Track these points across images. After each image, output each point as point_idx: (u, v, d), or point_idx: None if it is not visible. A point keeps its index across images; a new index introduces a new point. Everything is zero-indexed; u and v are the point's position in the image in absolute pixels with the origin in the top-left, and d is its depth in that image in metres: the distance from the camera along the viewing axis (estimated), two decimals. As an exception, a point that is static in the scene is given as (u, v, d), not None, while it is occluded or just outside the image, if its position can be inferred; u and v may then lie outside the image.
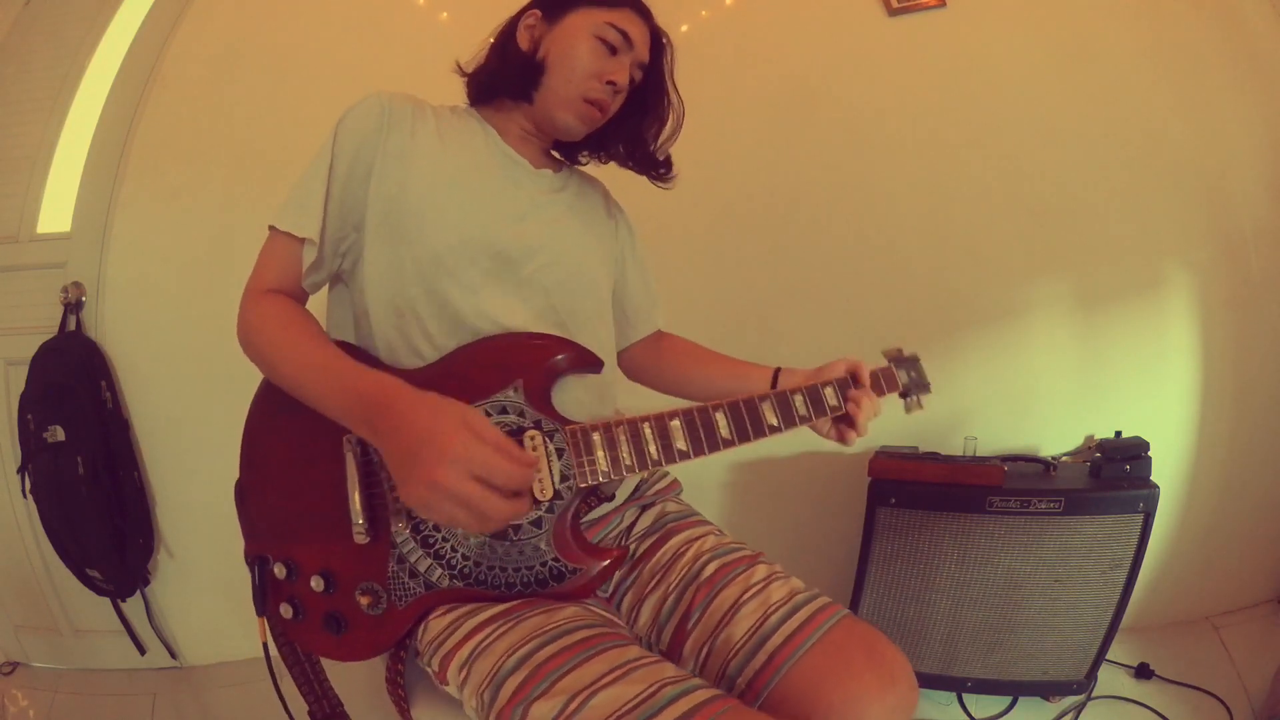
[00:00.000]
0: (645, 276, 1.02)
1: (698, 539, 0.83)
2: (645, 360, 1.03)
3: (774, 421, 0.78)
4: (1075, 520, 1.29)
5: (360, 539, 0.69)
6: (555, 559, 0.70)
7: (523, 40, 0.85)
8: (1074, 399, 1.56)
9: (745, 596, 0.74)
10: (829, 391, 0.83)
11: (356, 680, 0.88)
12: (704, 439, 0.74)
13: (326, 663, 0.84)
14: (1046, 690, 1.40)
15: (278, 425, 0.75)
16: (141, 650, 1.68)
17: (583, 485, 0.71)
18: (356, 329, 0.79)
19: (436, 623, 0.70)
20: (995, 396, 1.59)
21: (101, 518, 1.53)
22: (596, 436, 0.72)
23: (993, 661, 1.38)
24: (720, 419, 0.76)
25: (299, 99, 1.57)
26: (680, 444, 0.74)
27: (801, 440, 1.64)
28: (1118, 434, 1.45)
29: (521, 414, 0.72)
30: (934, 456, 1.43)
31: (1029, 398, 1.58)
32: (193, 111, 1.60)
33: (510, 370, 0.73)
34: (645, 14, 0.87)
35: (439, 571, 0.70)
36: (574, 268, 0.84)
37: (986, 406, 1.59)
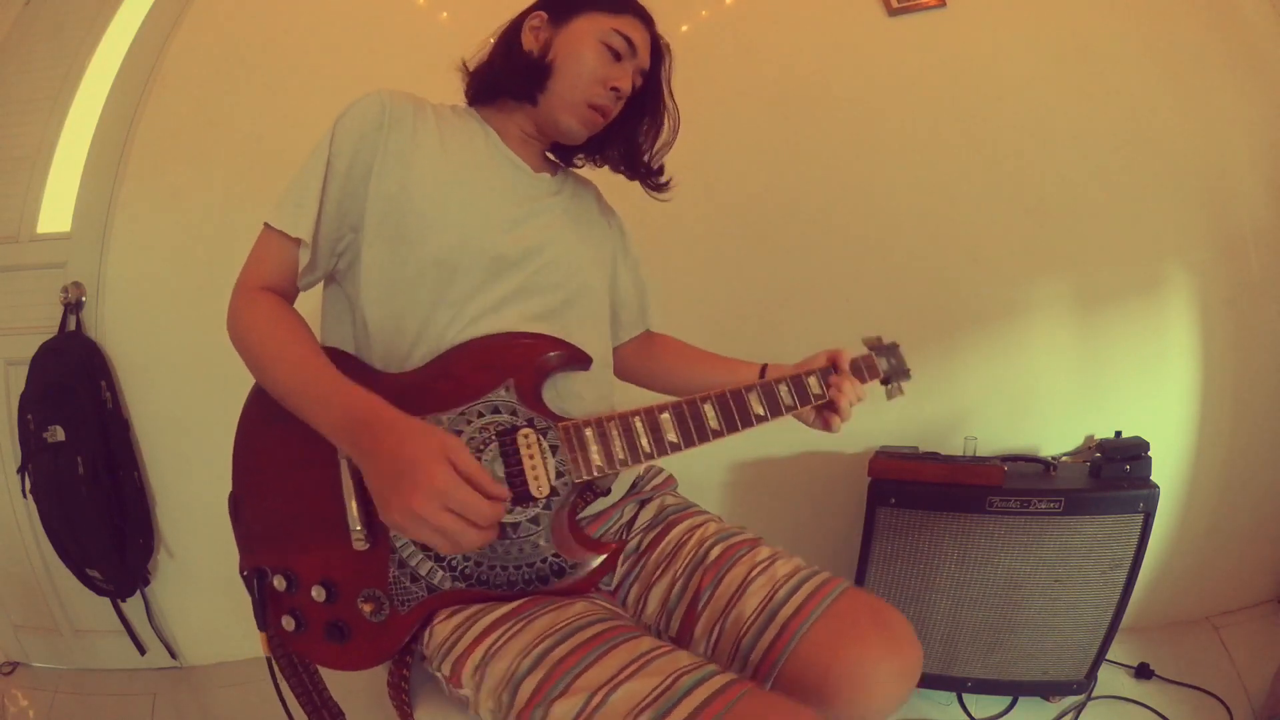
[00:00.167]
0: (637, 277, 1.03)
1: (699, 526, 0.85)
2: (636, 360, 1.04)
3: (760, 411, 0.81)
4: (1075, 520, 1.29)
5: (360, 546, 0.68)
6: (555, 555, 0.71)
7: (528, 41, 0.85)
8: (1074, 399, 1.56)
9: (753, 574, 0.76)
10: (812, 380, 0.86)
11: (356, 688, 0.88)
12: (693, 430, 0.76)
13: (326, 670, 0.83)
14: (1046, 690, 1.40)
15: (270, 433, 0.74)
16: (141, 650, 1.68)
17: (578, 480, 0.72)
18: (353, 329, 0.79)
19: (442, 626, 0.69)
20: (995, 396, 1.59)
21: (101, 518, 1.53)
22: (589, 432, 0.73)
23: (993, 661, 1.38)
24: (709, 410, 0.78)
25: (299, 99, 1.57)
26: (671, 436, 0.75)
27: (801, 440, 1.64)
28: (1118, 434, 1.45)
29: (514, 412, 0.73)
30: (934, 456, 1.43)
31: (1029, 398, 1.58)
32: (193, 111, 1.60)
33: (501, 370, 0.74)
34: (648, 21, 0.88)
35: (440, 574, 0.69)
36: (571, 270, 0.85)
37: (986, 406, 1.59)
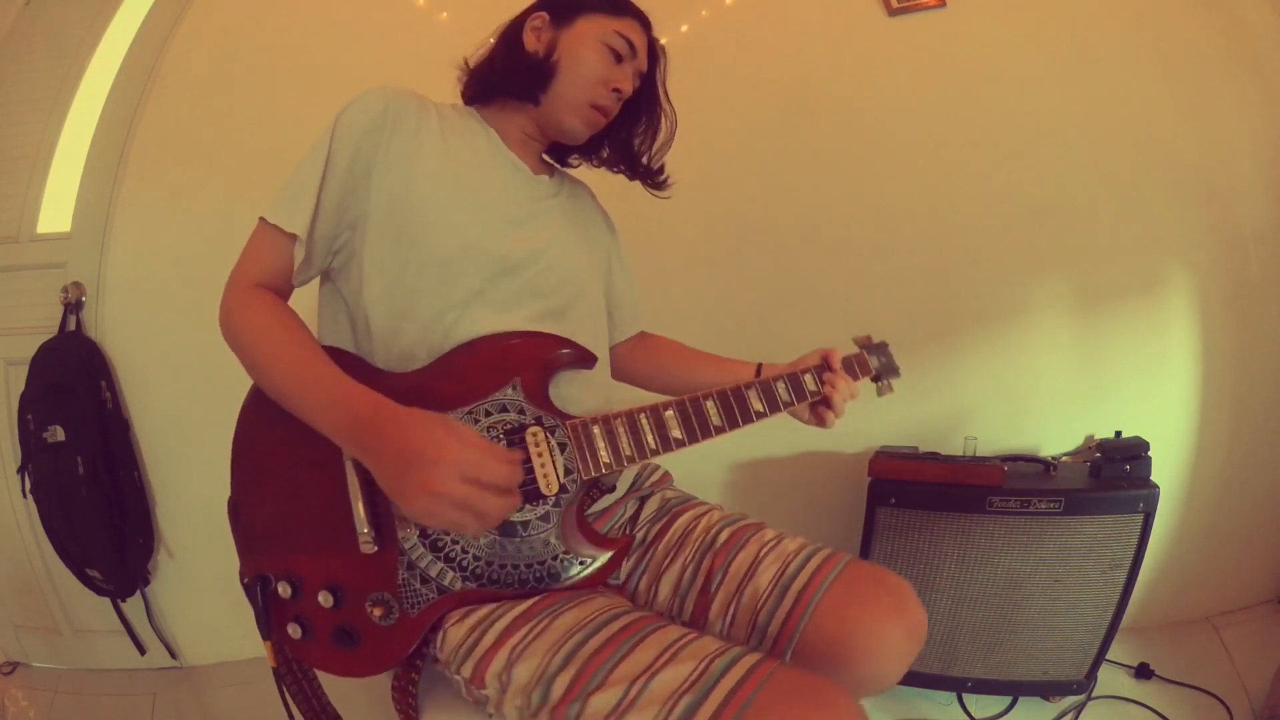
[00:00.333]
0: (629, 278, 1.04)
1: (704, 515, 0.87)
2: (631, 360, 1.05)
3: (760, 407, 0.83)
4: (1075, 520, 1.29)
5: (368, 549, 0.67)
6: (565, 551, 0.72)
7: (529, 42, 0.86)
8: (1074, 399, 1.56)
9: (763, 553, 0.79)
10: (808, 378, 0.89)
11: (351, 692, 0.88)
12: (697, 426, 0.78)
13: (324, 676, 0.82)
14: (1046, 690, 1.40)
15: (269, 436, 0.73)
16: (141, 650, 1.68)
17: (586, 478, 0.73)
18: (352, 328, 0.78)
19: (456, 629, 0.69)
20: (995, 396, 1.59)
21: (101, 518, 1.54)
22: (596, 429, 0.74)
23: (993, 661, 1.38)
24: (711, 407, 0.80)
25: (299, 99, 1.56)
26: (676, 432, 0.77)
27: (801, 440, 1.64)
28: (1118, 434, 1.45)
29: (522, 411, 0.73)
30: (934, 456, 1.43)
31: (1029, 398, 1.58)
32: (193, 111, 1.60)
33: (508, 369, 0.74)
34: (646, 25, 0.89)
35: (451, 575, 0.69)
36: (570, 271, 0.85)
37: (986, 406, 1.59)
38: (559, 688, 0.60)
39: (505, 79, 0.86)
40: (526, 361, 0.75)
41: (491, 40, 0.90)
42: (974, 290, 1.58)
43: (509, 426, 0.72)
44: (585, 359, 0.80)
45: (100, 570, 1.58)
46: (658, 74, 0.92)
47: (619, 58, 0.85)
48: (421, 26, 1.65)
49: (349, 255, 0.77)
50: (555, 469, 0.72)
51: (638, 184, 0.98)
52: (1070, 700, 1.41)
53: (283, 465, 0.73)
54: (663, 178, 0.97)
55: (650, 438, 0.75)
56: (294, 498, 0.72)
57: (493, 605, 0.70)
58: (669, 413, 0.77)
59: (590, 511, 0.83)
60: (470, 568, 0.69)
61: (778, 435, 1.66)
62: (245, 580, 0.73)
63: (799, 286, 1.65)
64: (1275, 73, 1.47)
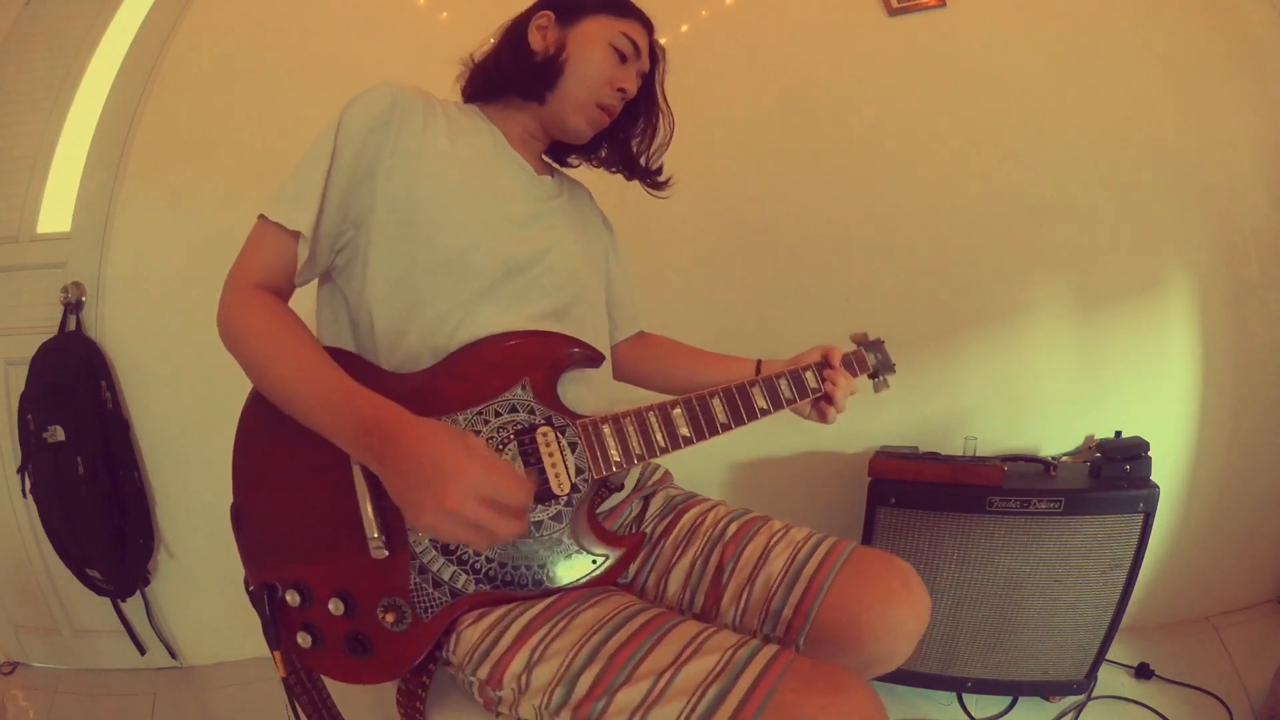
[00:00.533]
0: (628, 278, 1.05)
1: (710, 510, 0.89)
2: (630, 360, 1.06)
3: (764, 404, 0.85)
4: (1075, 520, 1.29)
5: (378, 554, 0.65)
6: (578, 550, 0.72)
7: (535, 41, 0.86)
8: (1074, 399, 1.56)
9: (772, 542, 0.81)
10: (809, 375, 0.91)
11: (358, 697, 0.87)
12: (704, 424, 0.80)
13: (327, 680, 0.80)
14: (1046, 690, 1.40)
15: (272, 440, 0.71)
16: (141, 650, 1.68)
17: (597, 476, 0.73)
18: (354, 329, 0.77)
19: (470, 632, 0.68)
20: (995, 396, 1.59)
21: (101, 518, 1.53)
22: (606, 428, 0.75)
23: (993, 661, 1.38)
24: (717, 404, 0.82)
25: (299, 99, 1.56)
26: (684, 430, 0.78)
27: (801, 440, 1.64)
28: (1118, 434, 1.45)
29: (532, 411, 0.73)
30: (934, 456, 1.43)
31: (1029, 398, 1.58)
32: (193, 111, 1.60)
33: (517, 369, 0.74)
34: (649, 27, 0.90)
35: (464, 577, 0.68)
36: (573, 271, 0.86)
37: (986, 406, 1.59)
38: (584, 685, 0.61)
39: (511, 77, 0.86)
40: (535, 361, 0.75)
41: (493, 40, 0.90)
42: (974, 290, 1.58)
43: (519, 427, 0.72)
44: (593, 358, 0.80)
45: (100, 570, 1.58)
46: (657, 75, 0.93)
47: (624, 58, 0.86)
48: (421, 26, 1.65)
49: (352, 254, 0.76)
50: (567, 468, 0.72)
51: (637, 184, 0.98)
52: (1070, 700, 1.41)
53: (286, 470, 0.71)
54: (661, 178, 0.98)
55: (659, 435, 0.76)
56: (298, 504, 0.70)
57: (508, 606, 0.70)
58: (677, 411, 0.78)
59: (598, 511, 0.83)
60: (483, 570, 0.69)
61: (778, 435, 1.66)
62: (251, 589, 0.71)
63: (799, 286, 1.65)
64: (1275, 73, 1.46)
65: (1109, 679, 1.44)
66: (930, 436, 1.54)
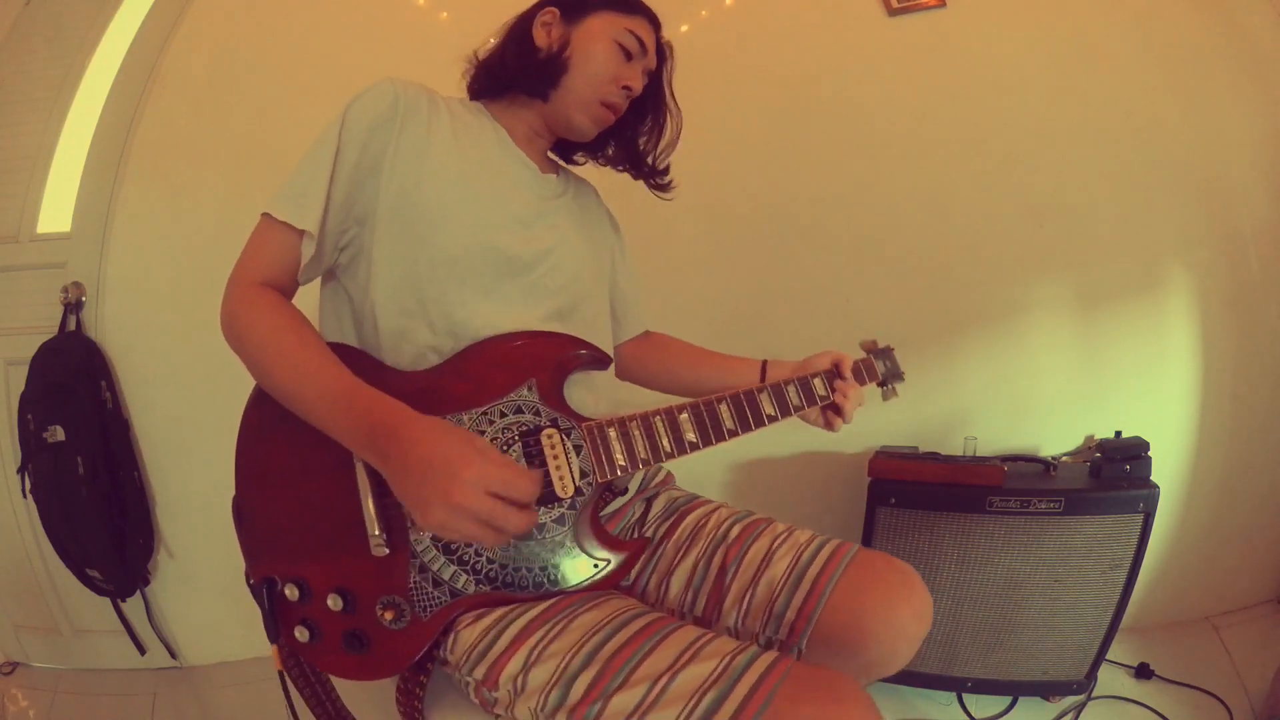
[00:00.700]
0: (633, 277, 1.04)
1: (713, 512, 0.88)
2: (635, 359, 1.05)
3: (771, 411, 0.85)
4: (1075, 520, 1.29)
5: (379, 551, 0.65)
6: (580, 554, 0.72)
7: (539, 38, 0.85)
8: (1074, 399, 1.56)
9: (776, 544, 0.81)
10: (818, 382, 0.90)
11: (366, 695, 0.87)
12: (710, 429, 0.79)
13: (337, 678, 0.82)
14: (1046, 690, 1.40)
15: (274, 436, 0.71)
16: (141, 650, 1.68)
17: (602, 480, 0.73)
18: (357, 327, 0.77)
19: (468, 632, 0.68)
20: (995, 396, 1.59)
21: (101, 518, 1.53)
22: (612, 432, 0.74)
23: (993, 661, 1.38)
24: (724, 410, 0.80)
25: (299, 99, 1.57)
26: (690, 435, 0.77)
27: (801, 440, 1.64)
28: (1118, 434, 1.45)
29: (537, 413, 0.72)
30: (934, 456, 1.43)
31: (1029, 398, 1.58)
32: (193, 111, 1.60)
33: (523, 369, 0.73)
34: (656, 24, 0.89)
35: (464, 578, 0.68)
36: (577, 271, 0.85)
37: (986, 406, 1.59)
38: (580, 688, 0.60)
39: (515, 74, 0.85)
40: (542, 362, 0.74)
41: (492, 40, 0.90)
42: (974, 290, 1.58)
43: (524, 428, 0.71)
44: (600, 360, 0.80)
45: (100, 570, 1.58)
46: (665, 73, 0.92)
47: (629, 55, 0.85)
48: (421, 26, 1.65)
49: (356, 251, 0.75)
50: (571, 471, 0.71)
51: (638, 182, 0.98)
52: (1070, 700, 1.41)
53: (288, 467, 0.71)
54: (667, 179, 0.97)
55: (665, 440, 0.76)
56: (300, 500, 0.70)
57: (507, 608, 0.69)
58: (683, 415, 0.77)
59: (601, 514, 0.82)
60: (484, 571, 0.69)
61: (778, 435, 1.64)
62: (251, 582, 0.72)
63: (798, 286, 1.65)
64: (1275, 72, 1.47)
65: (1109, 679, 1.44)
66: (930, 436, 1.54)
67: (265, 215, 0.72)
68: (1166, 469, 1.48)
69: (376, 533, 0.65)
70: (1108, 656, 1.38)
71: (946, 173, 1.57)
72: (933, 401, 1.59)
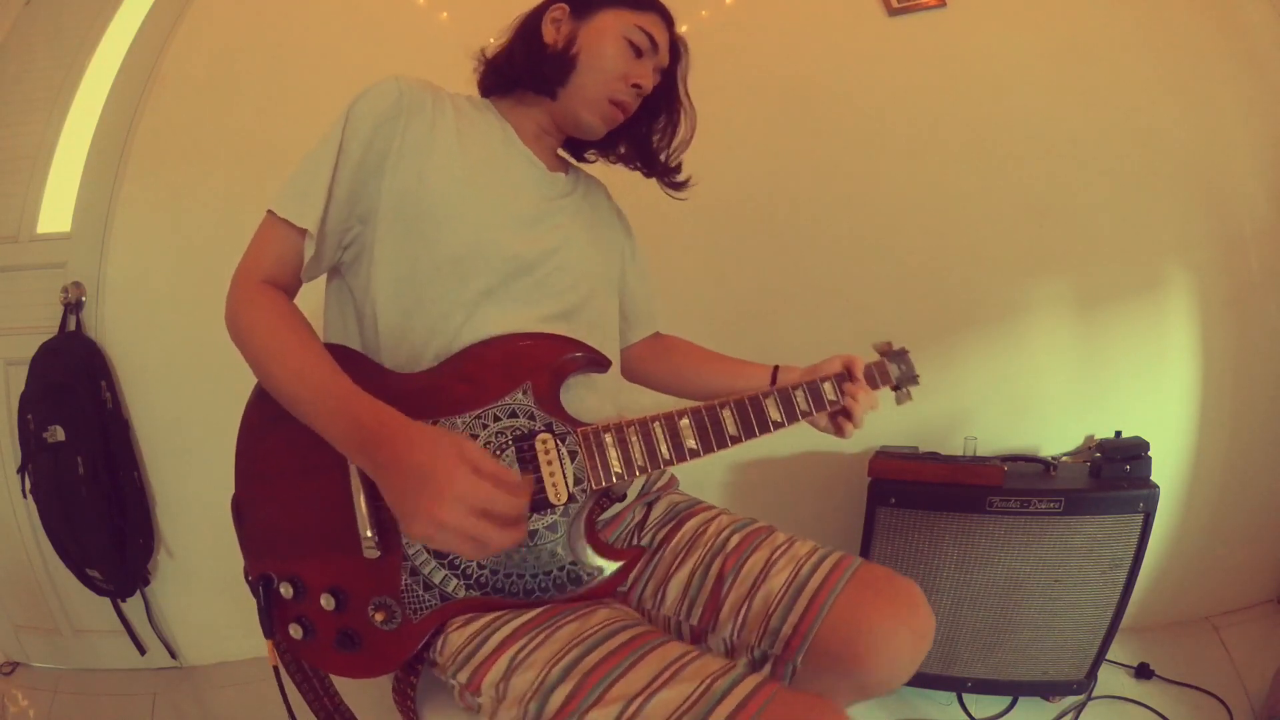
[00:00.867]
0: (644, 277, 1.02)
1: (713, 519, 0.86)
2: (644, 361, 1.04)
3: (777, 417, 0.82)
4: (1075, 520, 1.29)
5: (370, 554, 0.66)
6: (572, 563, 0.70)
7: (548, 34, 0.84)
8: (1074, 399, 1.56)
9: (775, 556, 0.78)
10: (827, 387, 0.87)
11: (366, 689, 0.87)
12: (712, 436, 0.76)
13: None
14: (1046, 690, 1.40)
15: (273, 437, 0.71)
16: (141, 650, 1.68)
17: (596, 487, 0.71)
18: (359, 325, 0.77)
19: (457, 635, 0.68)
20: (995, 396, 1.59)
21: (101, 518, 1.53)
22: (608, 438, 0.72)
23: (993, 661, 1.38)
24: (727, 416, 0.78)
25: (299, 99, 1.57)
26: (691, 442, 0.75)
27: (801, 440, 1.64)
28: (1118, 434, 1.45)
29: (532, 417, 0.71)
30: (934, 456, 1.43)
31: (1029, 398, 1.58)
32: (193, 111, 1.60)
33: (519, 372, 0.72)
34: (669, 20, 0.88)
35: (455, 582, 0.68)
36: (583, 272, 0.84)
37: (986, 406, 1.59)
38: (555, 701, 0.59)
39: (522, 71, 0.84)
40: (538, 365, 0.73)
41: (493, 38, 0.89)
42: (974, 290, 1.58)
43: (518, 433, 0.70)
44: (598, 363, 0.78)
45: (100, 570, 1.58)
46: (679, 71, 0.91)
47: (639, 52, 0.83)
48: (422, 26, 1.65)
49: (359, 249, 0.75)
50: (565, 478, 0.70)
51: (638, 181, 0.97)
52: (1070, 700, 1.41)
53: (286, 467, 0.71)
54: (680, 177, 0.96)
55: (664, 447, 0.74)
56: (297, 500, 0.71)
57: (497, 613, 0.69)
58: (684, 421, 0.75)
59: (599, 519, 0.81)
60: (475, 576, 0.69)
61: (778, 435, 1.65)
62: (249, 578, 0.72)
63: (798, 286, 1.65)
64: (1275, 73, 1.46)
65: (1109, 679, 1.44)
66: (930, 436, 1.54)
67: (269, 212, 0.72)
68: (1166, 469, 1.48)
69: (369, 534, 0.66)
70: (1108, 656, 1.38)
71: (947, 173, 1.57)
72: (933, 401, 1.58)
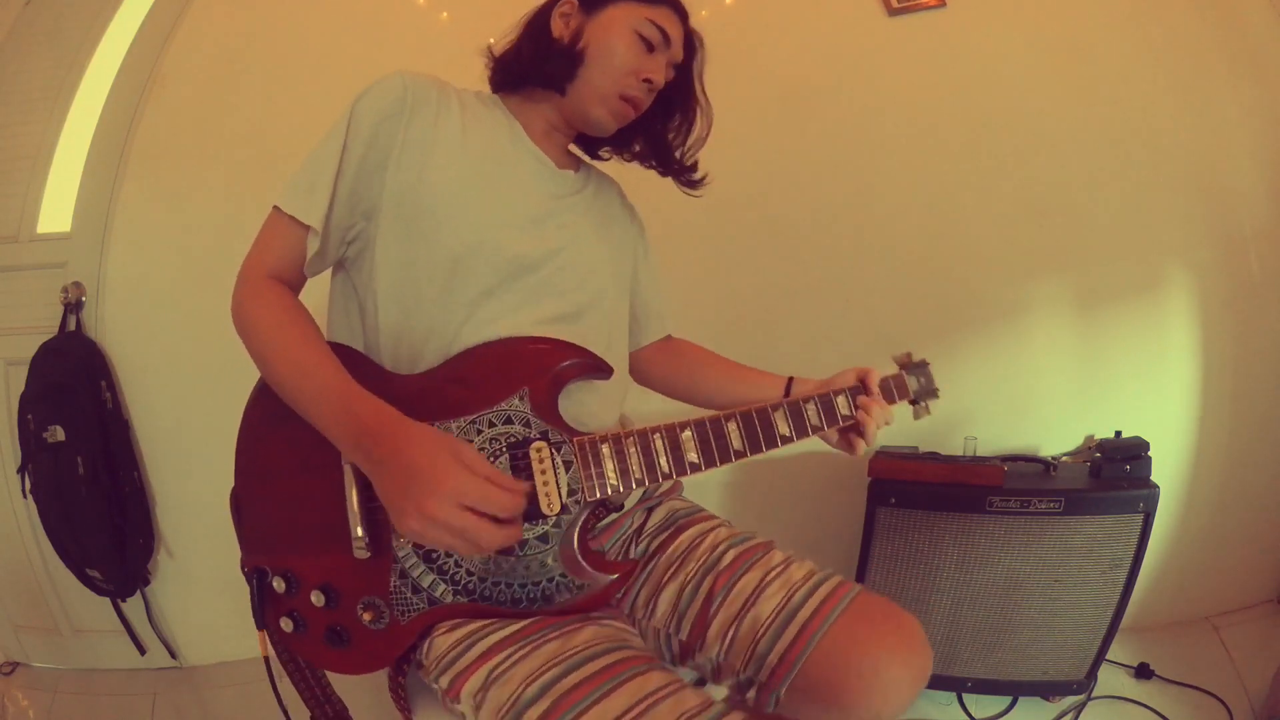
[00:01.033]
0: (656, 279, 1.00)
1: (710, 531, 0.84)
2: (653, 365, 1.01)
3: (786, 431, 0.79)
4: (1075, 520, 1.29)
5: (360, 554, 0.66)
6: (562, 574, 0.69)
7: (557, 28, 0.82)
8: (1074, 399, 1.56)
9: (768, 578, 0.75)
10: (841, 400, 0.83)
11: (361, 681, 0.88)
12: (715, 450, 0.74)
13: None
14: (1046, 690, 1.40)
15: (274, 433, 0.72)
16: (141, 650, 1.68)
17: (590, 499, 0.70)
18: (362, 321, 0.76)
19: (442, 640, 0.68)
20: (995, 396, 1.59)
21: (101, 518, 1.53)
22: (605, 448, 0.71)
23: (993, 661, 1.38)
24: (732, 429, 0.75)
25: (299, 99, 1.56)
26: (692, 456, 0.73)
27: (801, 440, 1.64)
28: (1118, 434, 1.45)
29: (527, 424, 0.70)
30: (934, 456, 1.43)
31: (1029, 398, 1.58)
32: (193, 111, 1.60)
33: (516, 377, 0.71)
34: (683, 14, 0.86)
35: (443, 587, 0.68)
36: (590, 271, 0.82)
37: (986, 406, 1.59)
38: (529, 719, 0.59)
39: (530, 67, 0.83)
40: (536, 370, 0.72)
41: (499, 35, 0.87)
42: (974, 290, 1.58)
43: (513, 440, 0.69)
44: (599, 369, 0.76)
45: (100, 570, 1.58)
46: (694, 66, 0.89)
47: (651, 47, 0.81)
48: (422, 26, 1.65)
49: (363, 246, 0.75)
50: (558, 488, 0.69)
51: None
52: (1070, 700, 1.41)
53: (285, 463, 0.72)
54: (697, 176, 0.93)
55: (663, 460, 0.72)
56: (293, 496, 0.71)
57: (485, 622, 0.69)
58: (686, 434, 0.73)
59: (596, 526, 0.81)
60: (463, 582, 0.68)
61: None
62: (245, 569, 0.73)
63: (798, 285, 1.64)
64: (1275, 73, 1.46)
65: (1109, 679, 1.44)
66: (930, 436, 1.54)
67: (275, 208, 0.72)
68: (1166, 469, 1.48)
69: (359, 534, 0.66)
70: (1108, 656, 1.38)
71: (946, 173, 1.57)
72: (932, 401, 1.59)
